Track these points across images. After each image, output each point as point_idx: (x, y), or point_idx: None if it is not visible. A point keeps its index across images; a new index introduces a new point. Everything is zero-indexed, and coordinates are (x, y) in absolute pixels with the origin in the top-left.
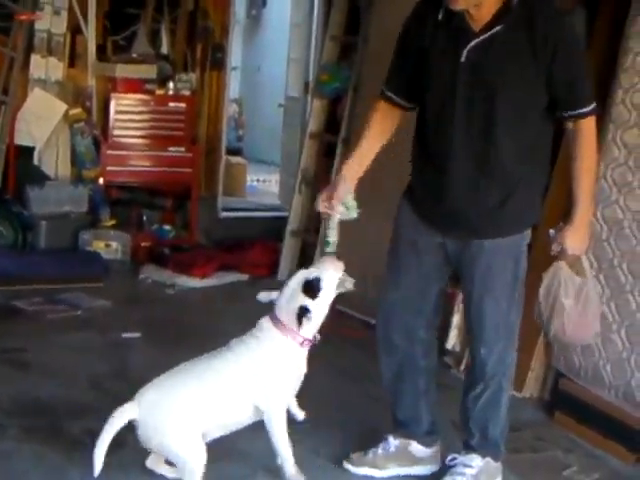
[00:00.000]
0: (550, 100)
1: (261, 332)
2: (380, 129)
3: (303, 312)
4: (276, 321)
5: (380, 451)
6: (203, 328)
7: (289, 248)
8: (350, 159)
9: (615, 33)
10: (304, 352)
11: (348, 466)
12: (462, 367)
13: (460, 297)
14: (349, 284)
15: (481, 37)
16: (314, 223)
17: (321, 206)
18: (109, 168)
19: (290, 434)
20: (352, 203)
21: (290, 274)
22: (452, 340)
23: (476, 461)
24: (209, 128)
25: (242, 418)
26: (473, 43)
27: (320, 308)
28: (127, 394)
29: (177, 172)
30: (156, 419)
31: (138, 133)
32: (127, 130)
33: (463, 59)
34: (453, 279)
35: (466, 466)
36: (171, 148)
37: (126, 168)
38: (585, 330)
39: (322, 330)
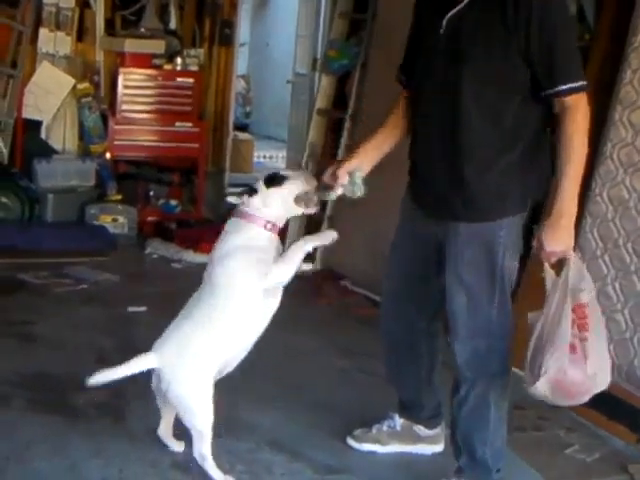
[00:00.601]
0: (533, 79)
1: (228, 226)
2: (402, 115)
3: (250, 191)
4: (239, 213)
5: (385, 428)
6: None
7: (295, 223)
8: (368, 142)
9: (625, 11)
10: (271, 235)
11: (351, 442)
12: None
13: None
14: (313, 202)
15: (458, 6)
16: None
17: (327, 176)
18: (116, 143)
19: (290, 411)
20: (359, 181)
21: None
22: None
23: None
24: (217, 104)
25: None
26: (451, 12)
27: (273, 198)
28: None
29: (184, 147)
30: (176, 369)
31: (146, 108)
32: (135, 105)
33: (442, 30)
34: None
35: None
36: (178, 123)
37: (133, 143)
38: (570, 383)
39: (328, 306)
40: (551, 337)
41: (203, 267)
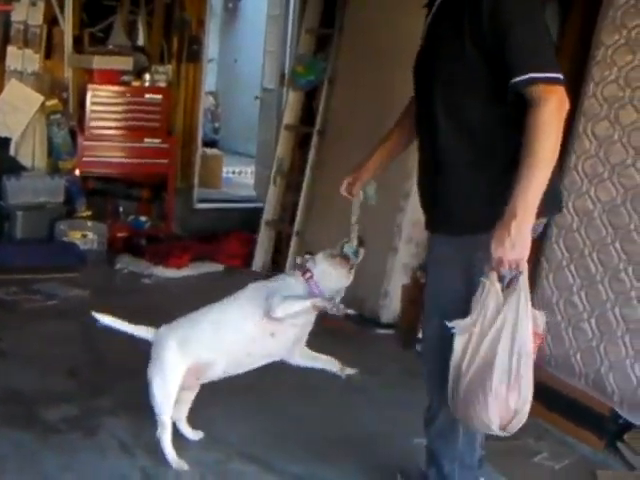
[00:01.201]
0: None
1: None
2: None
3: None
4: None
5: None
6: (179, 315)
7: (264, 239)
8: (377, 147)
9: (588, 26)
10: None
11: None
12: None
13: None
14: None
15: (435, 5)
16: (289, 214)
17: (343, 190)
18: (85, 159)
19: (261, 423)
20: (371, 193)
21: (264, 264)
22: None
23: None
24: (185, 120)
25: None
26: (432, 13)
27: (316, 266)
28: (104, 382)
29: (153, 163)
30: (160, 348)
31: (114, 124)
32: (103, 121)
33: (426, 31)
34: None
35: None
36: (147, 139)
37: (102, 159)
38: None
39: None
40: (490, 362)
41: (173, 282)
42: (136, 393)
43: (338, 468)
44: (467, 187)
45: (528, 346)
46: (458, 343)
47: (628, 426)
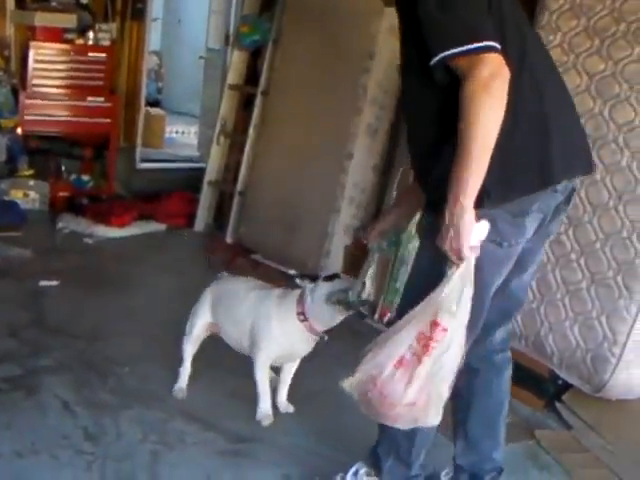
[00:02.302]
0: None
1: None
2: None
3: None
4: (299, 300)
5: None
6: (121, 277)
7: (206, 199)
8: (401, 197)
9: None
10: (304, 330)
11: None
12: (376, 315)
13: (370, 258)
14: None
15: None
16: (232, 174)
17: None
18: (27, 117)
19: (203, 381)
20: (383, 246)
21: (207, 224)
22: (367, 289)
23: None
24: (129, 79)
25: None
26: None
27: (312, 294)
28: (45, 341)
29: (96, 122)
30: (205, 290)
31: (57, 83)
32: (46, 79)
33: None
34: (367, 230)
35: None
36: (90, 98)
37: (45, 118)
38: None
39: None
40: (386, 338)
41: (114, 241)
42: (77, 352)
43: (279, 428)
44: (427, 170)
45: (459, 341)
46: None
47: (566, 387)
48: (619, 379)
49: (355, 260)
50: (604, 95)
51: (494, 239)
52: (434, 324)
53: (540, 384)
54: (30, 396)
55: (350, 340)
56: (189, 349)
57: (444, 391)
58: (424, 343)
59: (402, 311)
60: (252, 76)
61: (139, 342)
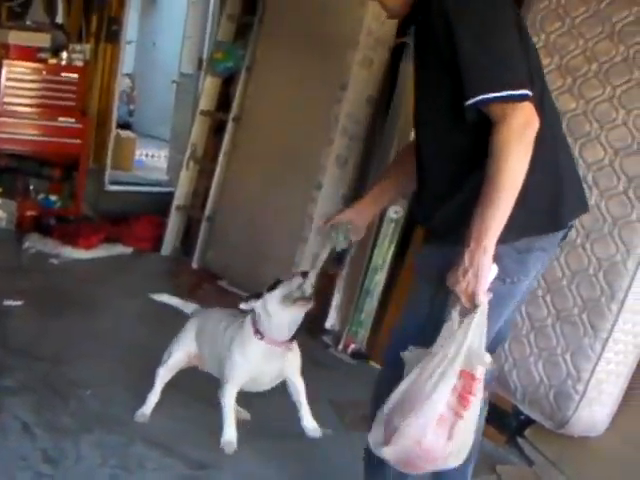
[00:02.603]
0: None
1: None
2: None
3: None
4: (252, 320)
5: None
6: (86, 298)
7: (174, 223)
8: (367, 193)
9: None
10: (263, 347)
11: None
12: (340, 346)
13: (341, 277)
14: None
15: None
16: (200, 199)
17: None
18: None
19: (164, 407)
20: (340, 238)
21: (174, 249)
22: (331, 319)
23: None
24: (101, 101)
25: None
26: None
27: (265, 309)
28: (7, 362)
29: (66, 143)
30: (187, 322)
31: (29, 101)
32: (17, 98)
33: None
34: (336, 261)
35: None
36: (61, 118)
37: (15, 136)
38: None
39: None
40: (421, 399)
41: (80, 263)
42: (40, 374)
43: (238, 455)
44: (437, 204)
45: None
46: (413, 371)
47: (529, 422)
48: (582, 416)
49: (320, 289)
50: (575, 133)
51: (498, 276)
52: (471, 377)
53: (503, 419)
54: None
55: (314, 371)
56: (163, 377)
57: (471, 437)
58: (462, 397)
59: (394, 350)
60: (224, 102)
61: (103, 365)
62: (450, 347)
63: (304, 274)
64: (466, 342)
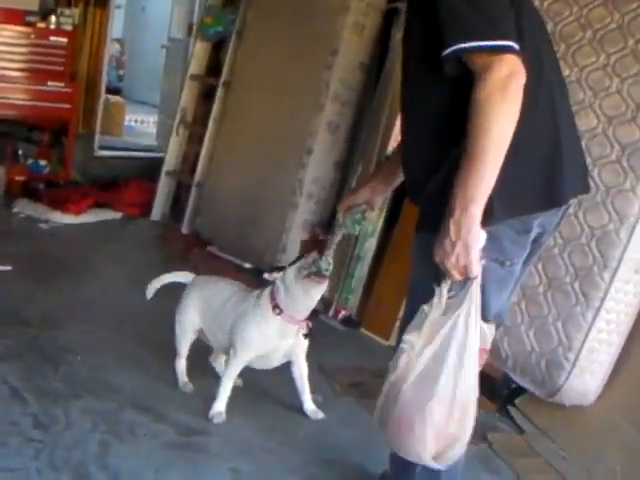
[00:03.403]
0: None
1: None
2: None
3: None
4: (272, 294)
5: None
6: (75, 263)
7: (164, 188)
8: (374, 173)
9: None
10: (279, 322)
11: None
12: (330, 313)
13: (336, 232)
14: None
15: None
16: (190, 165)
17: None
18: None
19: (155, 373)
20: (348, 223)
21: (163, 214)
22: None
23: None
24: (90, 65)
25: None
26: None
27: (283, 282)
28: None
29: (55, 107)
30: (185, 293)
31: (17, 66)
32: (5, 62)
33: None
34: (324, 226)
35: None
36: (50, 83)
37: (3, 100)
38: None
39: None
40: (431, 383)
41: (69, 228)
42: (29, 339)
43: (228, 423)
44: (422, 180)
45: (474, 369)
46: (403, 359)
47: (520, 391)
48: (573, 385)
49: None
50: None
51: (497, 258)
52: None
53: (493, 387)
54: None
55: (310, 337)
56: (183, 349)
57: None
58: None
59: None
60: (214, 67)
61: (92, 331)
62: (454, 328)
63: (320, 253)
64: (470, 322)
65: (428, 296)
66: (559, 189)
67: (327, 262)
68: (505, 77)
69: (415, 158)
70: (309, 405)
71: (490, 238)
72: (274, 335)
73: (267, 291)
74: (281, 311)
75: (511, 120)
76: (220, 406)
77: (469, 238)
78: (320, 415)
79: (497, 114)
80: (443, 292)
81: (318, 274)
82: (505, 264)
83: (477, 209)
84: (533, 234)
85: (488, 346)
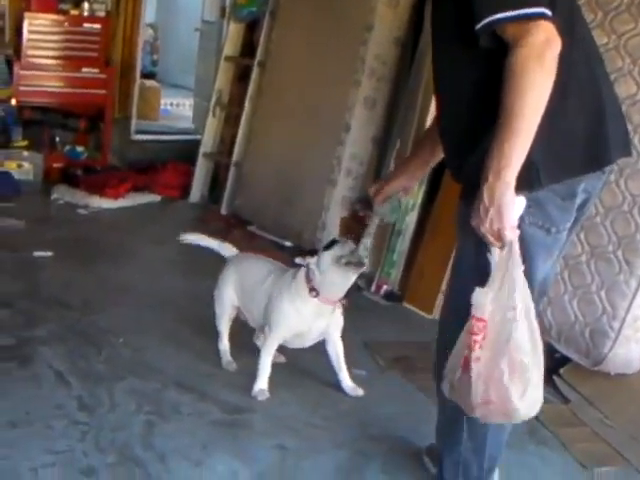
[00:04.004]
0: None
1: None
2: None
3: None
4: (307, 277)
5: None
6: (115, 248)
7: (201, 170)
8: (406, 162)
9: None
10: (318, 304)
11: None
12: (373, 288)
13: (373, 219)
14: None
15: None
16: (227, 146)
17: (371, 192)
18: (22, 88)
19: (198, 352)
20: (383, 211)
21: (202, 196)
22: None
23: None
24: (124, 51)
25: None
26: None
27: (318, 267)
28: (39, 312)
29: (91, 93)
30: (224, 269)
31: (52, 53)
32: (40, 50)
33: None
34: (363, 202)
35: None
36: (85, 69)
37: (39, 88)
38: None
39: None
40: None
41: (108, 212)
42: (71, 323)
43: (272, 400)
44: (462, 153)
45: (534, 323)
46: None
47: (564, 361)
48: (618, 353)
49: (351, 232)
50: (607, 69)
51: (542, 225)
52: (473, 318)
53: None
54: (24, 366)
55: (347, 313)
56: (224, 327)
57: (528, 379)
58: (469, 340)
59: (457, 310)
60: (248, 48)
61: (133, 313)
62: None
63: (355, 241)
64: (517, 286)
65: (470, 270)
66: (604, 149)
67: (365, 250)
68: (542, 42)
69: (454, 137)
70: (347, 383)
71: (535, 205)
72: (310, 315)
73: (302, 273)
74: (317, 293)
75: (546, 88)
76: (262, 384)
77: (502, 203)
78: (360, 392)
79: (533, 80)
80: (494, 253)
81: (357, 263)
82: (551, 231)
83: (511, 175)
84: (578, 200)
85: (486, 315)
